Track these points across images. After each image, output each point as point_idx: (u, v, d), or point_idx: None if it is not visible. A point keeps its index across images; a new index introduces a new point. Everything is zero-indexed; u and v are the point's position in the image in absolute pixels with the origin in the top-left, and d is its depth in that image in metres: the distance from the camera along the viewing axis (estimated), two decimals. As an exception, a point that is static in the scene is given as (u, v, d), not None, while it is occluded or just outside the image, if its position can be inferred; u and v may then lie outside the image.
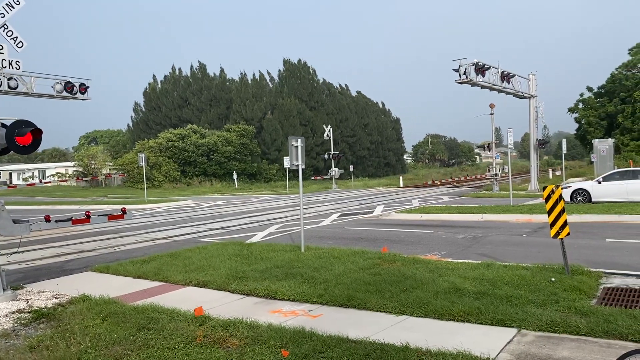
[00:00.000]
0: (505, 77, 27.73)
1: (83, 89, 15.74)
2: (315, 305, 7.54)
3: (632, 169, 23.35)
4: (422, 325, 6.48)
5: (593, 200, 21.14)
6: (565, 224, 8.41)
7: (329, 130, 49.40)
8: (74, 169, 60.44)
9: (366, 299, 7.44)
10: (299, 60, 70.05)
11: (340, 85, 75.49)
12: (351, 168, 53.99)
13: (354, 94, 77.53)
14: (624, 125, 45.80)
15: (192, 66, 69.38)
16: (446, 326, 6.42)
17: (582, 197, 21.40)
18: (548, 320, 6.17)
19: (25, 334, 6.74)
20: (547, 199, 8.54)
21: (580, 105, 50.57)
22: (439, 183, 49.68)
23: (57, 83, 15.54)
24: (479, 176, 58.06)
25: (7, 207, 9.00)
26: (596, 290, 7.65)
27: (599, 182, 21.40)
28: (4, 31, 9.10)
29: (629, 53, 49.39)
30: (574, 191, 21.70)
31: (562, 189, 8.87)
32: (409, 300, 7.24)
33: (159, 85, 69.53)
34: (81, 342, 6.14)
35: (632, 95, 45.54)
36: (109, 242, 15.77)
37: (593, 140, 35.26)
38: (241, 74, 69.78)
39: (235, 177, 52.82)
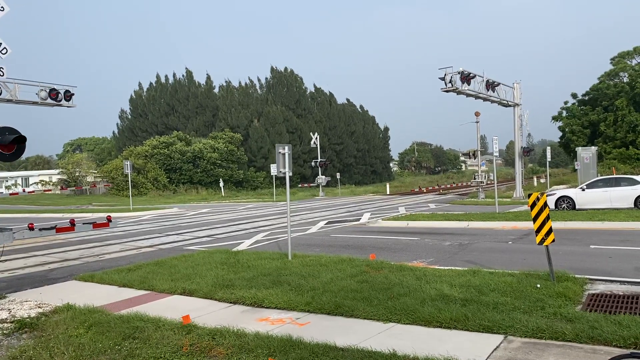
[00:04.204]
0: (490, 85, 28.04)
1: (68, 96, 15.58)
2: (303, 313, 7.51)
3: (615, 176, 23.67)
4: (409, 333, 6.48)
5: (577, 207, 21.38)
6: (550, 230, 8.49)
7: (316, 138, 49.46)
8: (58, 176, 59.77)
9: (354, 306, 7.43)
10: (286, 68, 70.26)
11: (328, 92, 75.72)
12: (338, 175, 54.08)
13: (341, 101, 77.82)
14: (606, 134, 46.49)
15: (174, 74, 69.19)
16: (433, 333, 6.43)
17: (566, 205, 21.64)
18: (534, 327, 6.21)
19: (7, 345, 6.63)
20: (533, 206, 8.62)
21: (564, 114, 51.27)
22: (425, 190, 49.91)
23: (42, 90, 15.37)
24: (464, 184, 58.46)
25: (-10, 215, 8.87)
26: (581, 296, 7.73)
27: (583, 190, 21.67)
28: (-13, 37, 9.01)
29: (611, 62, 50.26)
30: (558, 198, 21.94)
31: (547, 196, 8.96)
32: (397, 307, 7.24)
33: (145, 93, 69.19)
34: (65, 352, 6.05)
35: (614, 104, 46.29)
36: (94, 251, 15.59)
37: (577, 148, 35.74)
38: (226, 81, 69.80)
39: (221, 184, 52.61)
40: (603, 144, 46.21)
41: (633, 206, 20.43)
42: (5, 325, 7.44)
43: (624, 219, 16.97)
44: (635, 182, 20.95)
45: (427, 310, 7.00)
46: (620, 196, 20.78)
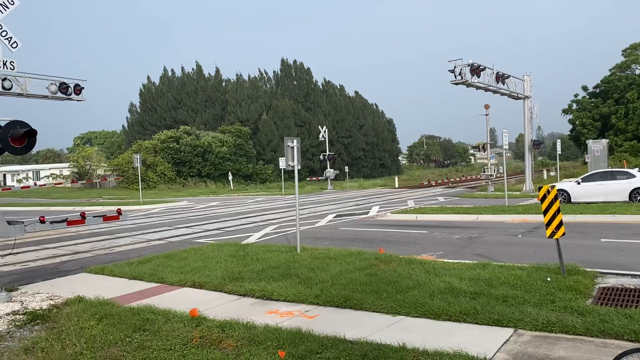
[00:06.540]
0: (500, 78, 27.83)
1: (78, 90, 15.65)
2: (312, 305, 7.53)
3: (610, 170, 23.48)
4: (418, 326, 6.48)
5: (572, 200, 21.27)
6: (560, 224, 8.44)
7: (325, 131, 49.40)
8: (69, 170, 60.19)
9: (362, 299, 7.43)
10: (295, 61, 70.11)
11: (337, 85, 75.51)
12: (346, 169, 54.02)
13: (350, 94, 77.55)
14: (617, 126, 46.01)
15: (183, 68, 69.24)
16: (443, 326, 6.42)
17: (561, 198, 21.50)
18: (544, 320, 6.18)
19: (20, 336, 6.70)
20: (543, 199, 8.58)
21: (574, 107, 50.79)
22: (434, 184, 49.75)
23: (52, 84, 15.43)
24: (474, 177, 58.17)
25: (2, 208, 8.95)
26: (592, 290, 7.68)
27: (579, 183, 21.58)
28: (-2, 31, 9.05)
29: (622, 54, 49.64)
30: None
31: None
32: (406, 300, 7.24)
33: (154, 86, 69.32)
34: (76, 344, 6.11)
35: (625, 96, 45.77)
36: (104, 244, 15.71)
37: (587, 141, 35.44)
38: (237, 75, 69.78)
39: (230, 178, 52.74)
40: (614, 137, 45.74)
41: (628, 199, 20.36)
42: (18, 317, 7.52)
43: (635, 212, 16.83)
44: (630, 176, 20.85)
45: (436, 304, 6.99)
46: (615, 190, 20.70)
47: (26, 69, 15.82)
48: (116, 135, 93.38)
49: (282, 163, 39.38)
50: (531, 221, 16.78)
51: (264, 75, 70.83)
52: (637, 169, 22.60)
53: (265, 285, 8.47)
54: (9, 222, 8.69)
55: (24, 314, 7.61)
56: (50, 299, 8.50)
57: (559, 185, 22.67)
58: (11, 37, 9.28)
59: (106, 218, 10.36)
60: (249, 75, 69.72)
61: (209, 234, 17.34)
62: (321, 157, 49.48)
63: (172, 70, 69.40)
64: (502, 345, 5.66)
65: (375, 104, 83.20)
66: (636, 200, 20.18)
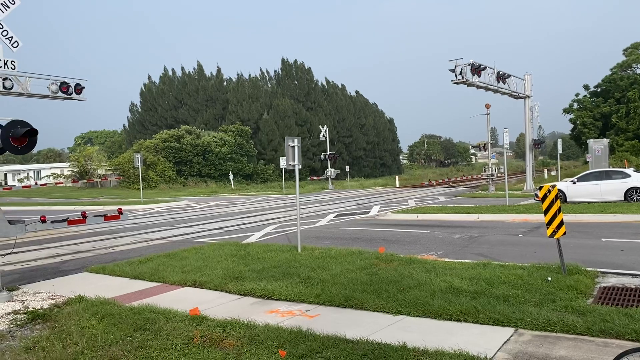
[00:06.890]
0: (501, 77, 27.81)
1: (78, 89, 15.64)
2: (312, 305, 7.53)
3: (606, 169, 23.44)
4: (419, 325, 6.48)
5: (568, 200, 21.24)
6: (561, 223, 8.44)
7: (325, 131, 49.39)
8: (70, 169, 60.23)
9: (363, 299, 7.43)
10: (296, 61, 70.13)
11: (337, 85, 75.51)
12: (347, 168, 53.98)
13: (351, 94, 77.54)
14: (618, 126, 45.95)
15: (183, 68, 69.24)
16: (443, 326, 6.42)
17: None
18: (545, 320, 6.18)
19: (21, 335, 6.71)
20: (544, 198, 8.58)
21: (575, 106, 50.73)
22: (435, 183, 49.73)
23: (53, 83, 15.43)
24: (475, 176, 58.12)
25: (3, 207, 8.97)
26: (592, 289, 7.68)
27: (574, 183, 21.55)
28: (-1, 31, 9.06)
29: (624, 53, 49.58)
30: None
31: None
32: (406, 300, 7.24)
33: (155, 86, 69.31)
34: (77, 343, 6.11)
35: (627, 96, 45.72)
36: (105, 243, 15.72)
37: (588, 141, 35.39)
38: (238, 74, 69.76)
39: (231, 177, 52.75)
40: (615, 136, 45.68)
41: (623, 199, 20.35)
42: (19, 316, 7.53)
43: (636, 212, 16.82)
44: (626, 176, 20.84)
45: (437, 303, 6.99)
46: (611, 189, 20.69)
47: (27, 69, 15.83)
48: (117, 135, 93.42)
49: (282, 162, 39.36)
50: (532, 221, 16.77)
51: (265, 74, 70.94)
52: (633, 168, 22.58)
53: (266, 284, 8.48)
54: (10, 222, 8.70)
55: (25, 313, 7.62)
56: (51, 298, 8.51)
57: (555, 185, 22.62)
58: (12, 37, 9.29)
59: (107, 217, 10.37)
60: (249, 75, 69.82)
61: (209, 233, 17.35)
62: (322, 156, 49.42)
63: (173, 69, 69.48)
64: (502, 345, 5.66)
65: (376, 104, 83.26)
66: (631, 199, 20.18)
